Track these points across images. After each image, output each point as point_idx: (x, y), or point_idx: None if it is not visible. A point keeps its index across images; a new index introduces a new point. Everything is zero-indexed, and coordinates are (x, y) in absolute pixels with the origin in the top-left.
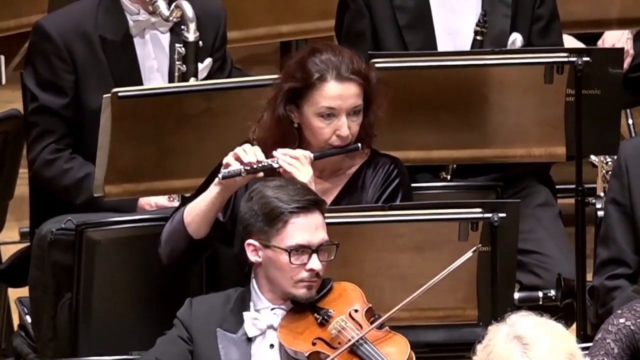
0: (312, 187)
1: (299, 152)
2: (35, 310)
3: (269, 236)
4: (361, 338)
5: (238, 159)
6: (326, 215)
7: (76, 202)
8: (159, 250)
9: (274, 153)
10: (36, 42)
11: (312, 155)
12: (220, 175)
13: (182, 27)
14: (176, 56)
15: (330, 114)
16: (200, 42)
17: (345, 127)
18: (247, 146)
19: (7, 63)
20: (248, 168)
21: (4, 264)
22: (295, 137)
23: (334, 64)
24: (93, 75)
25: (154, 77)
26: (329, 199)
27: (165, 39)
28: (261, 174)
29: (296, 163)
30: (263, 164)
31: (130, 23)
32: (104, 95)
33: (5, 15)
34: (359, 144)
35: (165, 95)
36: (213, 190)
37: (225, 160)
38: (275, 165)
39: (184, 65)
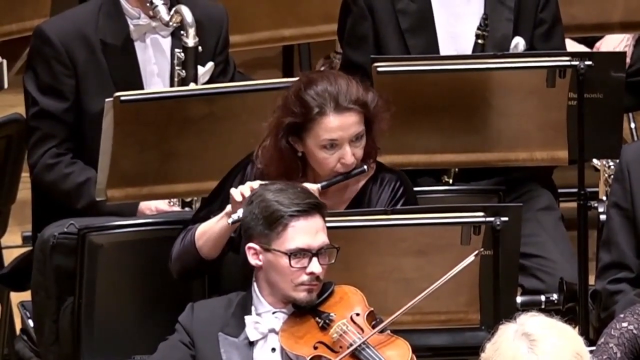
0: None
1: (308, 187)
2: (38, 314)
3: (269, 240)
4: (363, 342)
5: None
6: (329, 219)
7: (77, 207)
8: (170, 266)
9: None
10: (37, 47)
11: (319, 186)
12: (230, 221)
13: (182, 32)
14: (175, 61)
15: (333, 144)
16: (200, 48)
17: (350, 156)
18: (254, 183)
19: (9, 67)
20: None
21: (7, 268)
22: (298, 168)
23: (332, 95)
24: (94, 79)
25: (155, 82)
26: None
27: (166, 43)
28: None
29: None
30: None
31: (131, 27)
32: (106, 100)
33: (7, 19)
34: (365, 167)
35: (168, 99)
36: (224, 221)
37: (232, 195)
38: None
39: (184, 71)
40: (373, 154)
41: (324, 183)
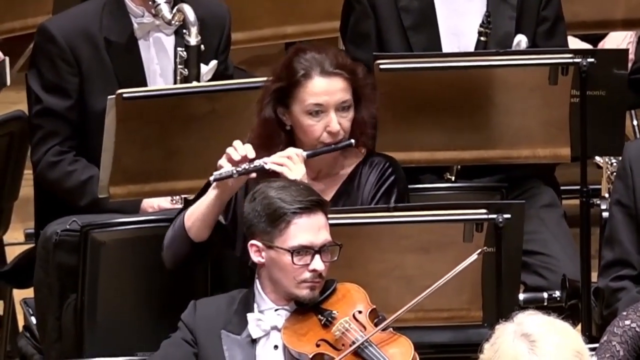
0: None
1: (291, 151)
2: (40, 311)
3: (271, 237)
4: (365, 340)
5: (230, 160)
6: (331, 216)
7: (80, 204)
8: (162, 255)
9: (264, 164)
10: (41, 44)
11: (304, 153)
12: (212, 178)
13: (184, 31)
14: (178, 60)
15: (318, 110)
16: (202, 46)
17: (335, 122)
18: (237, 143)
19: (12, 64)
20: (240, 169)
21: (9, 265)
22: (280, 139)
23: (318, 61)
24: (98, 77)
25: (158, 80)
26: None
27: (170, 41)
28: (254, 175)
29: (287, 162)
30: (254, 164)
31: (135, 25)
32: (109, 97)
33: (10, 17)
34: (352, 140)
35: (170, 97)
36: (211, 193)
37: (219, 162)
38: (267, 166)
39: (186, 69)
40: (364, 137)
41: (309, 152)
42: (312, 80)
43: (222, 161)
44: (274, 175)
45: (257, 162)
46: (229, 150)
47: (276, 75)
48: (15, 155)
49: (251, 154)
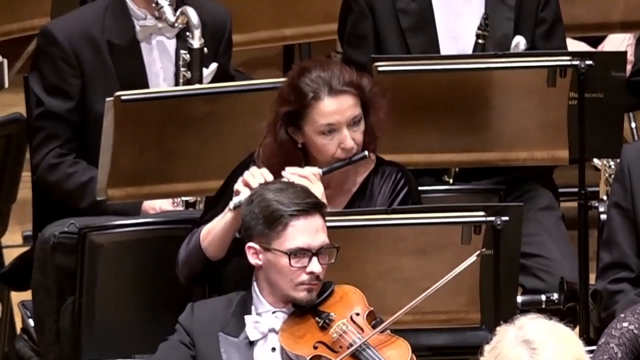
0: (325, 202)
1: (308, 170)
2: (38, 313)
3: (269, 239)
4: (363, 343)
5: (247, 185)
6: (329, 218)
7: (80, 206)
8: (177, 271)
9: (283, 173)
10: (43, 46)
11: (320, 171)
12: (231, 206)
13: (187, 33)
14: (181, 63)
15: (331, 130)
16: (205, 49)
17: (349, 140)
18: (254, 170)
19: (9, 66)
20: None
21: (7, 267)
22: (300, 158)
23: (325, 80)
24: (100, 79)
25: (160, 82)
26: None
27: (172, 44)
28: None
29: (306, 182)
30: None
31: (137, 28)
32: (107, 99)
33: (8, 19)
34: (366, 152)
35: (168, 99)
36: (228, 216)
37: (235, 187)
38: None
39: (189, 72)
40: (372, 143)
41: (325, 169)
42: (322, 101)
43: (239, 185)
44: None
45: None
46: (246, 176)
47: (284, 99)
48: (13, 158)
49: (269, 177)
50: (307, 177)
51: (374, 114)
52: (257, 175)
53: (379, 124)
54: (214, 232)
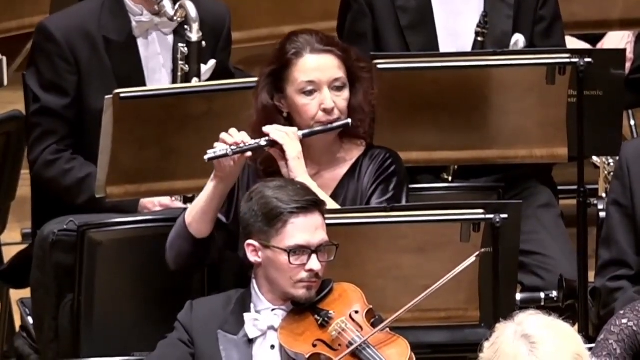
0: (302, 162)
1: (288, 128)
2: (37, 311)
3: (268, 236)
4: (363, 342)
5: (223, 141)
6: (328, 216)
7: (77, 202)
8: (166, 258)
9: (264, 129)
10: (39, 43)
11: (301, 133)
12: (206, 157)
13: (186, 27)
14: (179, 56)
15: (312, 89)
16: (204, 43)
17: (329, 99)
18: (233, 130)
19: (8, 64)
20: (234, 148)
21: (6, 264)
22: (282, 124)
23: (308, 40)
24: (96, 76)
25: (157, 78)
26: (328, 191)
27: (169, 40)
28: (249, 154)
29: (284, 136)
30: (250, 143)
31: (134, 24)
32: (106, 97)
33: (7, 17)
34: (349, 120)
35: (167, 96)
36: (209, 185)
37: (215, 145)
38: (263, 143)
39: (187, 65)
40: (363, 124)
41: (305, 131)
42: (303, 58)
43: (216, 143)
44: (271, 157)
45: (253, 141)
46: (223, 134)
47: (269, 61)
48: (12, 156)
49: (247, 137)
50: (287, 133)
51: (362, 90)
52: (235, 134)
53: (370, 107)
54: (197, 205)
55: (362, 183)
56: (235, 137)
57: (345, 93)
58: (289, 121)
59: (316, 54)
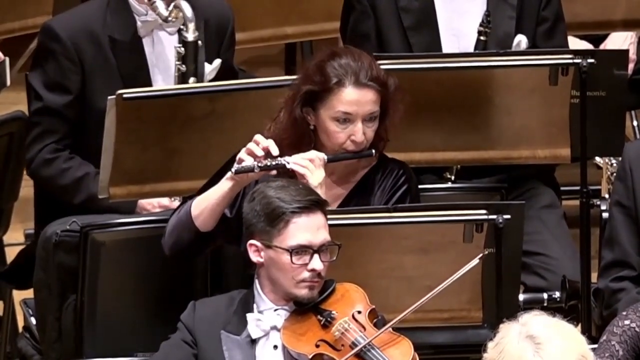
0: (323, 189)
1: (313, 154)
2: (40, 311)
3: (270, 236)
4: (368, 343)
5: (251, 154)
6: (331, 216)
7: (74, 202)
8: (162, 241)
9: (286, 159)
10: (44, 43)
11: (325, 157)
12: (233, 170)
13: (182, 27)
14: (176, 56)
15: (346, 119)
16: (200, 42)
17: (361, 133)
18: (259, 137)
19: (11, 65)
20: (261, 165)
21: (8, 265)
22: (311, 139)
23: (353, 70)
24: (101, 76)
25: (162, 78)
26: (337, 203)
27: (173, 39)
28: (274, 172)
29: (309, 165)
30: (277, 162)
31: (139, 24)
32: (109, 97)
33: (10, 17)
34: (373, 150)
35: (170, 97)
36: (225, 184)
37: (239, 156)
38: (289, 166)
39: (184, 65)
40: (382, 144)
41: (331, 156)
42: (345, 89)
43: (243, 154)
44: (294, 175)
45: (279, 160)
46: (251, 145)
47: (308, 77)
48: (15, 156)
49: (274, 150)
50: (312, 160)
51: (390, 116)
52: (262, 143)
53: (392, 127)
54: (207, 200)
55: (374, 198)
56: (262, 144)
57: (376, 124)
58: (314, 135)
59: (358, 88)
